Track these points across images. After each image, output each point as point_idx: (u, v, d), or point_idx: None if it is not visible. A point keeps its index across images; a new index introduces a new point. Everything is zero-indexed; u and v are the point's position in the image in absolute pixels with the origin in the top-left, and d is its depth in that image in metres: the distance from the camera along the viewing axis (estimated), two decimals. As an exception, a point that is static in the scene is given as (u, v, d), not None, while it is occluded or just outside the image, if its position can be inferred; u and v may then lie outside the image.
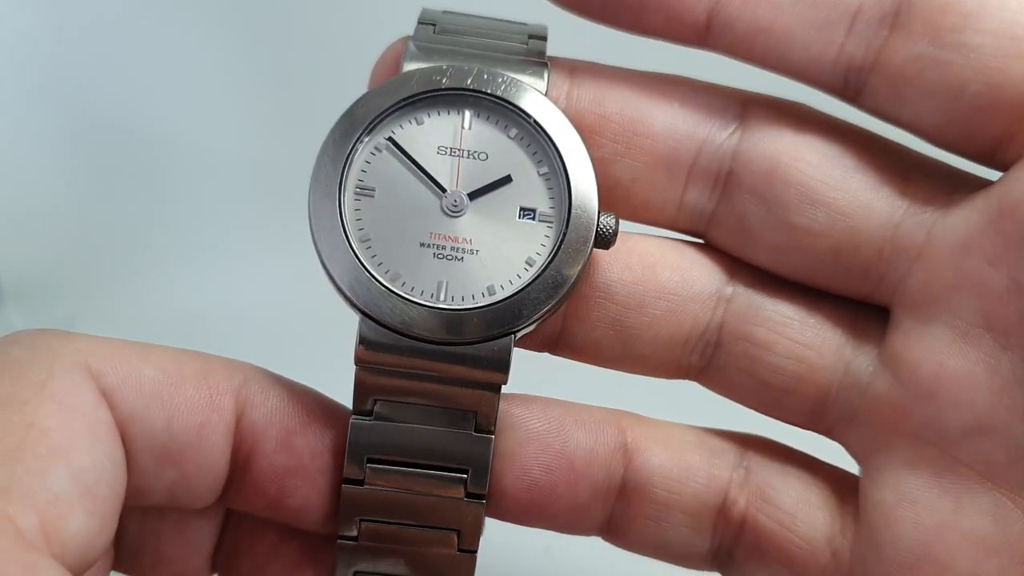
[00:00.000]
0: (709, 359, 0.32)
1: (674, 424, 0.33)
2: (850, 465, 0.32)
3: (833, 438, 0.32)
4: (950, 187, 0.30)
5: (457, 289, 0.29)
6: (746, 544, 0.32)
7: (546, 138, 0.30)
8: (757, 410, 0.32)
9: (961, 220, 0.28)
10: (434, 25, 0.32)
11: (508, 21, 0.33)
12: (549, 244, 0.30)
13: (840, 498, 0.32)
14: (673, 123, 0.31)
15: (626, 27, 0.30)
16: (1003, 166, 0.28)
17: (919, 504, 0.29)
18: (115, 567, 0.33)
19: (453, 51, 0.31)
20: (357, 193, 0.30)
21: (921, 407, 0.29)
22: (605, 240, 0.30)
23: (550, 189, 0.30)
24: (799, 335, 0.31)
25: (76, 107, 0.67)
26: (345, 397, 0.31)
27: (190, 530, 0.33)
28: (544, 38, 0.32)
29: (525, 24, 0.33)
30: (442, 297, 0.29)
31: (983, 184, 0.29)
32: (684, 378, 0.33)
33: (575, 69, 0.31)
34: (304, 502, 0.31)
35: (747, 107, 0.31)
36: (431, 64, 0.30)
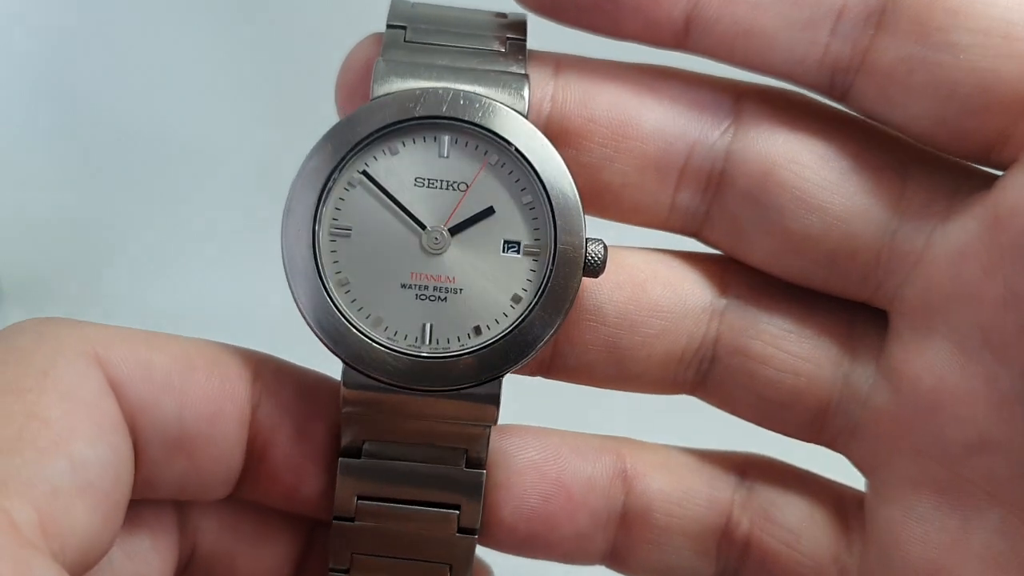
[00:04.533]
0: (705, 374, 0.31)
1: (672, 448, 0.33)
2: (852, 479, 0.32)
3: (836, 451, 0.31)
4: (951, 186, 0.29)
5: (442, 331, 0.28)
6: (752, 565, 0.32)
7: (528, 166, 0.28)
8: (757, 423, 0.32)
9: (959, 227, 0.28)
10: (404, 28, 0.30)
11: (483, 13, 0.31)
12: (535, 279, 0.29)
13: (844, 515, 0.31)
14: (663, 123, 0.30)
15: (602, 32, 0.29)
16: (998, 166, 0.28)
17: (927, 521, 0.28)
18: None
19: (426, 65, 0.29)
20: (332, 233, 0.28)
21: (922, 423, 0.28)
22: (594, 269, 0.29)
23: (534, 220, 0.29)
24: (796, 348, 0.30)
25: (76, 108, 0.67)
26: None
27: (266, 548, 0.32)
28: (523, 36, 0.30)
29: (503, 16, 0.31)
30: (427, 340, 0.28)
31: (985, 179, 0.28)
32: (680, 393, 0.32)
33: (559, 65, 0.30)
34: (320, 489, 0.30)
35: (740, 101, 0.30)
36: (403, 85, 0.28)
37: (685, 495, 0.31)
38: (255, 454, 0.30)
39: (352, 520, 0.30)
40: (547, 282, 0.28)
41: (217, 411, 0.28)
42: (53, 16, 0.66)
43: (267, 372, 0.30)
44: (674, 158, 0.30)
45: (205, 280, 0.65)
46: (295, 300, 0.28)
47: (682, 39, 0.29)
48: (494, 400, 0.28)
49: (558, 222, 0.28)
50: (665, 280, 0.31)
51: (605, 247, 0.29)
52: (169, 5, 0.66)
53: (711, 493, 0.32)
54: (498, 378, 0.28)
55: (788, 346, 0.30)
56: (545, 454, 0.31)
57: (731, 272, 0.31)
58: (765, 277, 0.31)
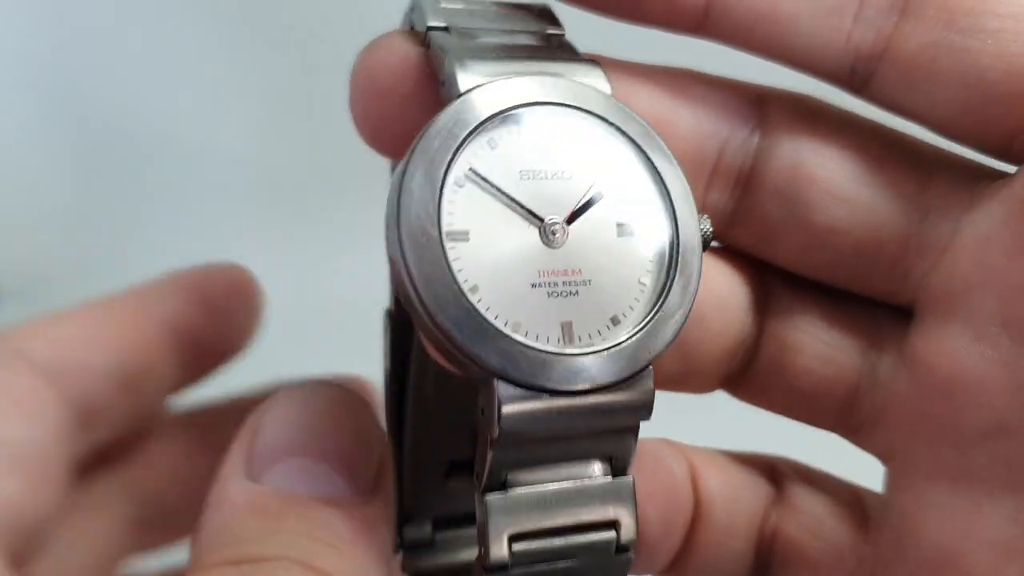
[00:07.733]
0: (746, 367, 0.31)
1: (708, 449, 0.33)
2: (870, 482, 0.32)
3: (858, 442, 0.31)
4: (973, 180, 0.29)
5: (583, 327, 0.26)
6: (779, 555, 0.32)
7: (632, 145, 0.27)
8: (787, 415, 0.32)
9: (983, 213, 0.27)
10: (448, 29, 0.28)
11: (509, 6, 0.30)
12: (658, 259, 0.27)
13: (863, 510, 0.31)
14: (697, 122, 0.30)
15: (625, 16, 0.29)
16: (1019, 160, 0.27)
17: (940, 509, 0.28)
18: None
19: (496, 59, 0.27)
20: (450, 239, 0.25)
21: (939, 409, 0.28)
22: (706, 244, 0.27)
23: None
24: (828, 336, 0.30)
25: (77, 107, 0.67)
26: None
27: None
28: (562, 31, 0.29)
29: (529, 5, 0.30)
30: (570, 339, 0.26)
31: (1007, 177, 0.28)
32: (720, 388, 0.32)
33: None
34: None
35: (763, 103, 0.30)
36: (486, 79, 0.26)
37: (735, 491, 0.32)
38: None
39: (507, 569, 0.27)
40: (676, 259, 0.27)
41: (145, 346, 0.35)
42: (54, 16, 0.66)
43: (178, 297, 0.37)
44: (707, 157, 0.30)
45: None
46: (426, 315, 0.25)
47: (701, 23, 0.28)
48: (649, 402, 0.26)
49: (673, 198, 0.27)
50: (722, 271, 0.31)
51: (709, 220, 0.28)
52: (170, 4, 0.66)
53: (753, 490, 0.32)
54: (650, 364, 0.26)
55: (821, 334, 0.31)
56: (657, 464, 0.31)
57: (768, 266, 0.31)
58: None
